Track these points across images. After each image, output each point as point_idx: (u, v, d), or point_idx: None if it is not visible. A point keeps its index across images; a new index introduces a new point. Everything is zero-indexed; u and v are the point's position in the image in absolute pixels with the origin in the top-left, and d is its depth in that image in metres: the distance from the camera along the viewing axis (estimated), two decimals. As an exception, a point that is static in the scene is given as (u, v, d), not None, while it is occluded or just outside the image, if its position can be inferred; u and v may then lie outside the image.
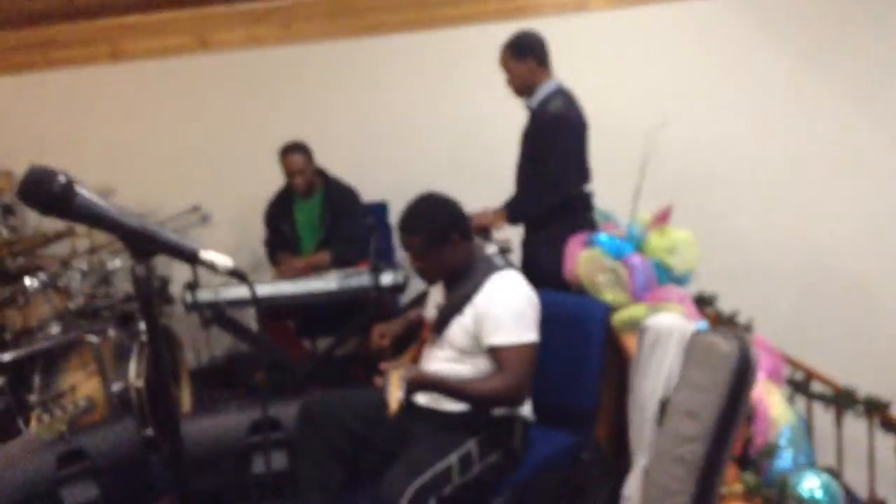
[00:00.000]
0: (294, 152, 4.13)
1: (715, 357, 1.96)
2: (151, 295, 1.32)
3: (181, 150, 4.90)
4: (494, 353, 2.43)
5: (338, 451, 2.54)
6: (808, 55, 4.59)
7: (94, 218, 1.30)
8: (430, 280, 2.70)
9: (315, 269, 4.03)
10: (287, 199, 4.36)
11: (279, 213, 4.38)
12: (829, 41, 4.58)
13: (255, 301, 1.36)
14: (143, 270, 1.31)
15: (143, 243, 1.33)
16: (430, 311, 2.75)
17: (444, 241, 2.50)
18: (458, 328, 2.49)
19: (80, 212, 1.29)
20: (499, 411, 2.50)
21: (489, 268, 2.53)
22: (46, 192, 1.27)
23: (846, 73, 4.60)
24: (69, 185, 1.28)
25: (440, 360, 2.55)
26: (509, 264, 2.61)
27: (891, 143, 4.65)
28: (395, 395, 2.13)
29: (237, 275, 1.43)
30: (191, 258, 1.37)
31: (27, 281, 3.64)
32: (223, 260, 1.40)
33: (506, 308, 2.42)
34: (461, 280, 2.55)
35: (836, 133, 4.62)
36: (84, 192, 1.29)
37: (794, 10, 4.55)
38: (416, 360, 2.68)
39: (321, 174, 4.31)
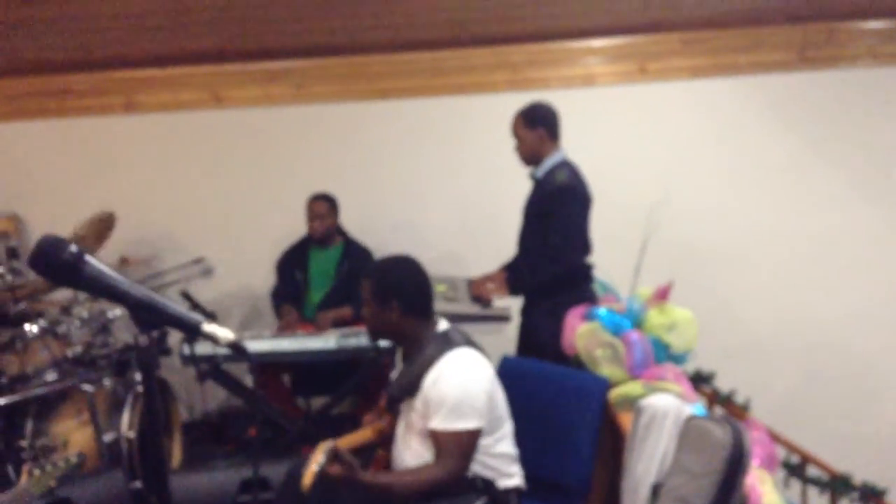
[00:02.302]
0: (320, 199, 4.38)
1: (709, 444, 1.97)
2: (154, 365, 1.34)
3: (189, 203, 4.95)
4: (432, 436, 2.35)
5: None
6: (812, 136, 4.66)
7: (103, 288, 1.32)
8: (371, 334, 2.62)
9: (338, 324, 4.12)
10: (303, 247, 4.52)
11: (294, 260, 4.50)
12: (832, 123, 4.65)
13: (254, 369, 1.37)
14: (147, 340, 1.33)
15: (148, 314, 1.35)
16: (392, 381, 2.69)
17: (383, 302, 2.45)
18: (413, 412, 2.43)
19: (89, 281, 1.31)
20: (501, 482, 2.46)
21: (442, 345, 2.43)
22: (57, 261, 1.30)
23: (848, 155, 4.67)
24: (79, 254, 1.30)
25: (412, 450, 2.46)
26: (466, 341, 2.49)
27: (891, 225, 4.69)
28: (311, 467, 2.09)
29: (237, 348, 1.44)
30: (194, 331, 1.39)
31: (27, 327, 3.65)
32: (224, 333, 1.42)
33: (448, 391, 2.31)
34: (415, 355, 2.47)
35: (837, 214, 4.67)
36: (93, 262, 1.31)
37: (798, 92, 4.63)
38: (379, 434, 2.62)
39: (342, 232, 4.49)
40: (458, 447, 2.31)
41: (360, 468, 2.23)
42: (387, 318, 2.47)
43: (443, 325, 2.55)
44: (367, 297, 2.49)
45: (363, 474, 2.23)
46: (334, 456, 2.16)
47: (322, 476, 2.08)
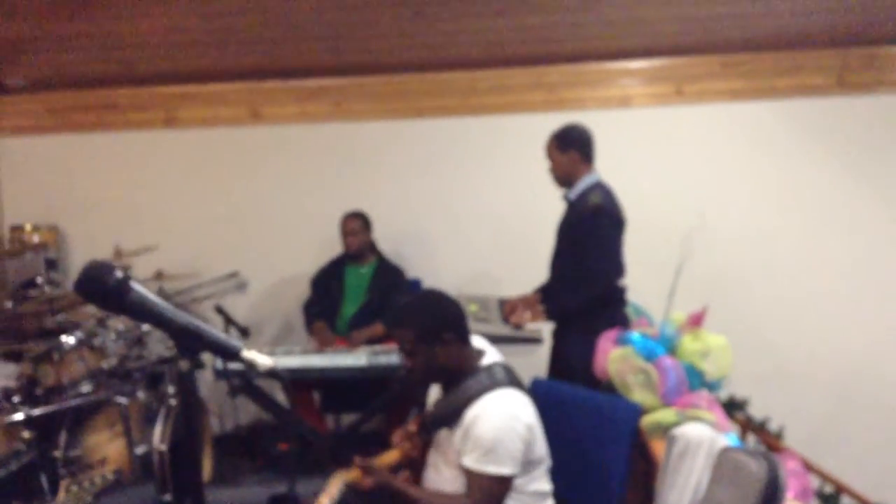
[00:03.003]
0: (353, 216, 4.50)
1: (743, 477, 1.94)
2: (193, 390, 1.35)
3: (225, 217, 5.01)
4: (465, 473, 2.31)
5: None
6: (850, 162, 4.61)
7: (147, 313, 1.34)
8: (419, 382, 2.58)
9: (370, 341, 4.18)
10: (339, 263, 4.60)
11: (330, 275, 4.59)
12: (871, 149, 4.59)
13: (287, 387, 1.39)
14: (188, 366, 1.35)
15: (190, 340, 1.37)
16: (429, 407, 2.65)
17: (434, 339, 2.37)
18: (449, 444, 2.40)
19: (134, 307, 1.33)
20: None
21: (488, 382, 2.37)
22: (102, 287, 1.32)
23: (886, 181, 4.61)
24: (125, 280, 1.32)
25: (445, 479, 2.45)
26: (511, 380, 2.44)
27: (929, 253, 4.61)
28: (323, 498, 2.11)
29: (275, 375, 1.46)
30: (233, 356, 1.40)
31: (63, 338, 3.71)
32: (263, 359, 1.44)
33: (486, 433, 2.26)
34: (457, 386, 2.42)
35: (874, 241, 4.61)
36: (138, 287, 1.33)
37: (837, 117, 4.59)
38: (406, 458, 2.60)
39: (375, 249, 4.58)
40: (486, 491, 2.28)
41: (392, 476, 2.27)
42: (442, 356, 2.40)
43: (490, 356, 2.51)
44: (411, 344, 2.40)
45: (396, 480, 2.27)
46: (364, 471, 2.18)
47: (356, 491, 2.10)
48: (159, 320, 1.35)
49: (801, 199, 4.64)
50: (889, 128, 4.56)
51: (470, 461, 2.28)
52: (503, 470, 2.27)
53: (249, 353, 1.42)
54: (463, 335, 2.45)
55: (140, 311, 1.34)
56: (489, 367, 2.44)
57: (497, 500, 2.30)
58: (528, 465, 2.38)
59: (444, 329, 2.39)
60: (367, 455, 2.47)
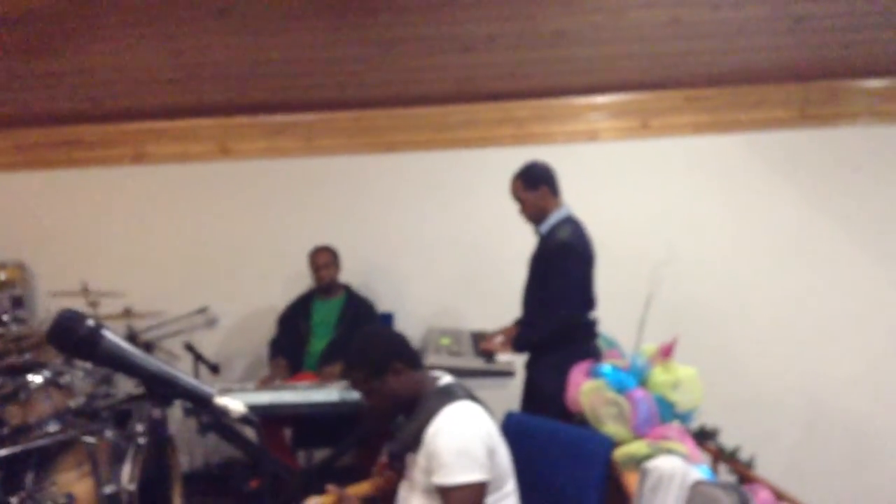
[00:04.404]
0: (324, 250, 4.50)
1: (716, 511, 1.96)
2: (165, 438, 1.34)
3: (194, 253, 4.99)
4: (439, 492, 2.31)
5: None
6: (813, 193, 4.70)
7: (118, 361, 1.34)
8: (383, 418, 2.60)
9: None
10: (307, 299, 4.58)
11: (297, 311, 4.56)
12: (833, 180, 4.68)
13: (258, 427, 1.37)
14: (160, 413, 1.34)
15: (162, 387, 1.37)
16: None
17: (384, 370, 2.41)
18: (416, 468, 2.40)
19: (105, 355, 1.32)
20: None
21: (443, 399, 2.40)
22: (74, 336, 1.31)
23: (850, 212, 4.69)
24: (96, 329, 1.32)
25: None
26: (467, 395, 2.46)
27: (893, 282, 4.70)
28: None
29: (248, 421, 1.46)
30: (205, 403, 1.40)
31: (30, 377, 3.65)
32: (235, 405, 1.43)
33: (449, 445, 2.27)
34: (415, 412, 2.44)
35: (841, 272, 4.69)
36: (110, 336, 1.33)
37: (799, 150, 4.68)
38: (380, 490, 2.60)
39: (344, 285, 4.57)
40: (462, 502, 2.26)
41: None
42: (396, 385, 2.43)
43: (445, 379, 2.53)
44: (364, 382, 2.44)
45: None
46: (339, 499, 2.19)
47: None
48: (131, 369, 1.34)
49: (765, 228, 4.71)
50: (851, 159, 4.66)
51: (439, 478, 2.27)
52: (473, 476, 2.26)
53: (222, 400, 1.42)
54: (412, 362, 2.49)
55: (111, 359, 1.33)
56: (445, 387, 2.47)
57: None
58: (495, 479, 2.38)
59: (392, 358, 2.43)
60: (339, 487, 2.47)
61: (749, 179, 4.71)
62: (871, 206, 4.67)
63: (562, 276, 3.45)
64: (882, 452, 4.65)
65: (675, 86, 4.64)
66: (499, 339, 3.65)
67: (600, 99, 4.71)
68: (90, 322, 1.32)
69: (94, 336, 1.31)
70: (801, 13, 4.15)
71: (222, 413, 1.42)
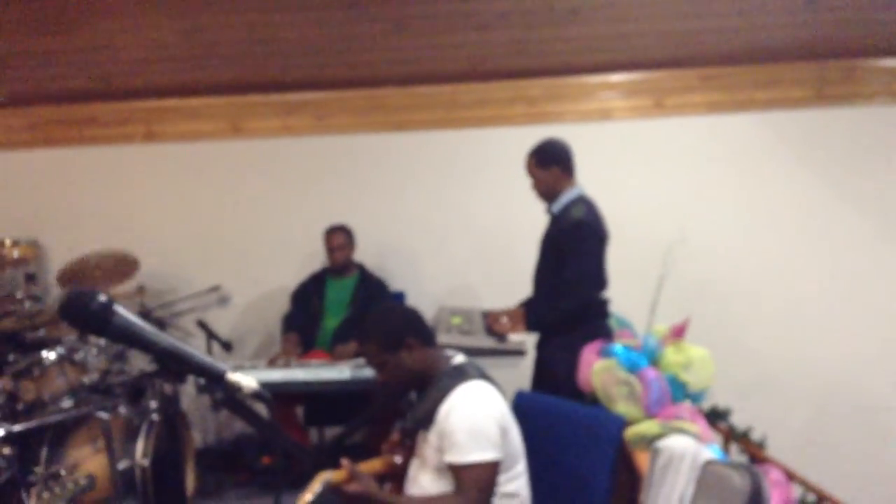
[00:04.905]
0: (339, 230, 4.52)
1: (727, 490, 1.95)
2: (177, 414, 1.35)
3: (207, 231, 5.00)
4: (451, 471, 2.31)
5: None
6: (828, 173, 4.66)
7: (131, 337, 1.34)
8: (394, 394, 2.61)
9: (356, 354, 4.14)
10: (320, 277, 4.60)
11: (311, 289, 4.58)
12: (849, 160, 4.65)
13: (270, 403, 1.38)
14: (172, 389, 1.34)
15: (174, 364, 1.37)
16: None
17: (398, 345, 2.42)
18: (428, 446, 2.41)
19: (118, 331, 1.33)
20: None
21: (456, 378, 2.40)
22: (86, 311, 1.31)
23: (864, 192, 4.67)
24: (108, 304, 1.32)
25: (421, 488, 2.44)
26: (481, 374, 2.47)
27: (907, 262, 4.67)
28: (305, 495, 2.12)
29: (260, 397, 1.46)
30: (218, 379, 1.40)
31: (44, 353, 3.69)
32: (248, 381, 1.43)
33: (463, 424, 2.28)
34: (428, 390, 2.45)
35: (853, 251, 4.66)
36: (122, 311, 1.33)
37: (815, 129, 4.64)
38: (391, 468, 2.61)
39: (358, 264, 4.59)
40: (475, 481, 2.27)
41: (378, 486, 2.26)
42: (409, 361, 2.44)
43: (458, 358, 2.53)
44: (377, 356, 2.45)
45: (381, 492, 2.25)
46: (351, 475, 2.18)
47: (337, 493, 2.09)
48: (143, 344, 1.35)
49: (780, 209, 4.68)
50: (867, 139, 4.62)
51: (452, 457, 2.28)
52: (486, 455, 2.27)
53: (234, 376, 1.42)
54: (426, 338, 2.49)
55: (124, 335, 1.33)
56: (459, 365, 2.47)
57: (488, 488, 2.29)
58: (506, 458, 2.38)
59: (406, 334, 2.44)
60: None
61: (764, 159, 4.67)
62: (886, 187, 4.63)
63: (582, 255, 3.43)
64: (893, 434, 4.64)
65: (689, 64, 4.59)
66: (503, 319, 3.63)
67: (614, 77, 4.66)
68: (102, 297, 1.32)
69: (105, 311, 1.32)
70: (817, -9, 4.10)
71: (235, 389, 1.42)
